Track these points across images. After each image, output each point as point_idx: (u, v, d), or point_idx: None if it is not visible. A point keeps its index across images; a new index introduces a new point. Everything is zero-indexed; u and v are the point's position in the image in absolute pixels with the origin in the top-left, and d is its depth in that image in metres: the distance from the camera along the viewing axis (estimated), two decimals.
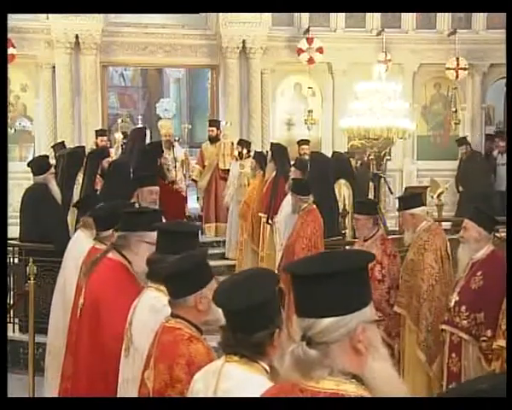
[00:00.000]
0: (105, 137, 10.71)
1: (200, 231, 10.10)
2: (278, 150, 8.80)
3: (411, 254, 5.50)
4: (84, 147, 8.97)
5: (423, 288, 5.29)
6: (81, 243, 4.94)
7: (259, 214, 8.72)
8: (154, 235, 3.41)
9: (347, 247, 7.28)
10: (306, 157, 9.24)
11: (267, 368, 2.27)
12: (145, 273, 3.34)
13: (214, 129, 10.92)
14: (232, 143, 10.67)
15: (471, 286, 4.82)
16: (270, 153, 8.91)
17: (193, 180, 11.18)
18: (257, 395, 1.91)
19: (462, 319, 4.79)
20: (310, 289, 1.71)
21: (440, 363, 5.06)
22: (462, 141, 12.13)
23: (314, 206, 6.75)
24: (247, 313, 2.18)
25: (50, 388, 5.06)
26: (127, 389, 3.19)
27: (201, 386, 2.39)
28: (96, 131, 10.84)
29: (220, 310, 2.70)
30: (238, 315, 2.21)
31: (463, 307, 4.79)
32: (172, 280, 2.83)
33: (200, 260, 2.81)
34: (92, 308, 3.61)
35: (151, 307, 3.14)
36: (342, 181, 8.60)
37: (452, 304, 4.87)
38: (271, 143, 9.41)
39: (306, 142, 10.37)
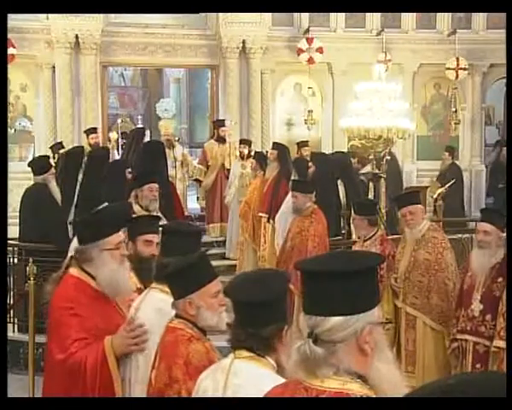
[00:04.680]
0: (95, 135, 10.62)
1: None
2: (282, 150, 8.81)
3: (424, 254, 5.31)
4: (82, 146, 8.94)
5: (450, 286, 5.20)
6: None
7: (259, 214, 8.72)
8: (115, 238, 3.23)
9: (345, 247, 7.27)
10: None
11: (274, 364, 2.28)
12: (113, 284, 3.19)
13: (224, 129, 10.81)
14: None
15: (495, 293, 4.59)
16: (274, 153, 8.88)
17: (196, 180, 11.12)
18: (268, 389, 1.91)
19: (488, 329, 4.57)
20: (320, 286, 1.71)
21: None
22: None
23: (316, 206, 6.75)
24: (259, 306, 2.23)
25: None
26: (126, 389, 3.15)
27: (210, 383, 2.38)
28: (85, 131, 10.70)
29: (214, 317, 2.74)
30: (250, 308, 2.25)
31: (488, 316, 4.57)
32: (167, 282, 2.89)
33: (181, 269, 2.77)
34: (48, 326, 3.45)
35: (158, 311, 3.07)
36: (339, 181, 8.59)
37: (477, 313, 4.64)
38: (275, 143, 9.37)
39: (303, 143, 10.31)
